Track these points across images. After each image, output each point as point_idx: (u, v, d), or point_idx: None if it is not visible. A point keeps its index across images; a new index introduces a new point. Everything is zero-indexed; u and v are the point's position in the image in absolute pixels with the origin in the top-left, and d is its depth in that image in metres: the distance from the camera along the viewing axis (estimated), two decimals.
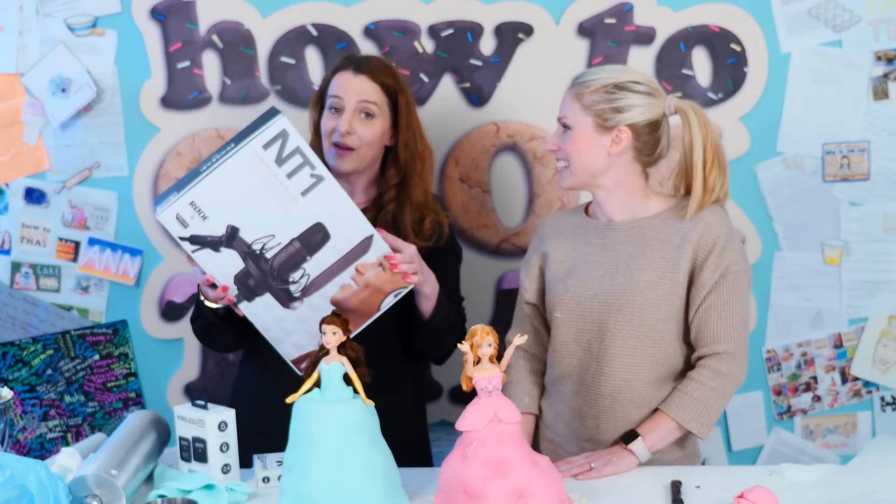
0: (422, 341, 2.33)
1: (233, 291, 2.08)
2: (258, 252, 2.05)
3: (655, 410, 2.14)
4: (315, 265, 2.07)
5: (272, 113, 2.02)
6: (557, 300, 2.21)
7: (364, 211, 2.34)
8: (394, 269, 2.11)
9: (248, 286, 2.07)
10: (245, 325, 2.19)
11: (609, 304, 2.15)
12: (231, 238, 2.03)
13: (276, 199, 2.01)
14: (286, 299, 2.09)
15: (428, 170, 2.38)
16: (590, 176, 2.17)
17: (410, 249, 2.14)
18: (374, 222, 2.32)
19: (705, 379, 2.11)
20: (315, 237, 2.05)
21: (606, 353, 2.15)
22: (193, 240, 2.02)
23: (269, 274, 2.07)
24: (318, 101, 2.39)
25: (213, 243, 2.03)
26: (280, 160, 1.99)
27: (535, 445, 2.32)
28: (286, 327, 2.12)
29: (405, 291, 2.15)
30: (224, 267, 2.05)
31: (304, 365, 2.06)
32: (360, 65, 2.33)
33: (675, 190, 2.24)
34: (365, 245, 2.09)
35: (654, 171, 2.26)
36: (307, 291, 2.09)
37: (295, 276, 2.08)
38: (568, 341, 2.21)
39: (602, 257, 2.19)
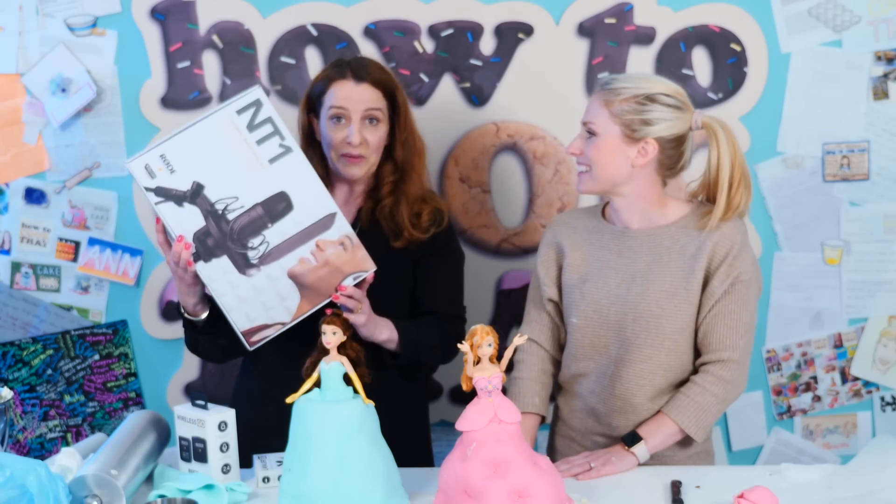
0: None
1: (187, 255, 2.11)
2: (220, 212, 2.09)
3: (657, 412, 2.15)
4: (275, 234, 2.11)
5: (250, 85, 2.14)
6: (574, 306, 2.22)
7: (364, 200, 2.36)
8: (336, 298, 2.12)
9: (207, 245, 2.10)
10: (229, 335, 2.21)
11: (625, 314, 2.15)
12: (195, 194, 2.08)
13: (245, 163, 2.09)
14: (243, 265, 2.12)
15: (423, 164, 2.41)
16: (611, 184, 2.16)
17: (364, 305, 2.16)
18: (372, 214, 2.34)
19: (708, 384, 2.12)
20: (278, 205, 2.11)
21: (623, 359, 2.16)
22: (158, 191, 2.08)
23: (228, 235, 2.11)
24: (310, 106, 2.38)
25: (178, 197, 2.08)
26: (252, 126, 2.09)
27: (552, 439, 2.34)
28: (240, 294, 2.12)
29: (365, 275, 2.17)
30: (185, 223, 2.09)
31: (255, 338, 2.10)
32: (360, 72, 2.32)
33: (692, 197, 2.24)
34: (327, 222, 2.14)
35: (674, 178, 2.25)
36: (265, 259, 2.12)
37: (254, 241, 2.11)
38: (584, 345, 2.21)
39: (618, 265, 2.19)
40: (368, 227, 2.34)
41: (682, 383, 2.17)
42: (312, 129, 2.37)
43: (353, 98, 2.29)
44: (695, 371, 2.17)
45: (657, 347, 2.14)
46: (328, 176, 2.38)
